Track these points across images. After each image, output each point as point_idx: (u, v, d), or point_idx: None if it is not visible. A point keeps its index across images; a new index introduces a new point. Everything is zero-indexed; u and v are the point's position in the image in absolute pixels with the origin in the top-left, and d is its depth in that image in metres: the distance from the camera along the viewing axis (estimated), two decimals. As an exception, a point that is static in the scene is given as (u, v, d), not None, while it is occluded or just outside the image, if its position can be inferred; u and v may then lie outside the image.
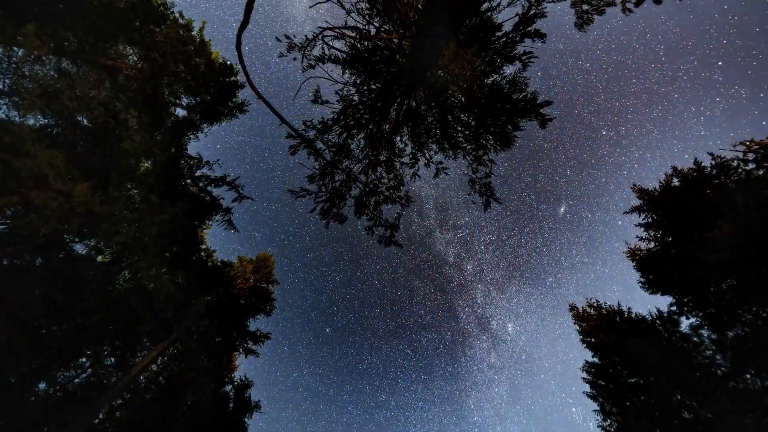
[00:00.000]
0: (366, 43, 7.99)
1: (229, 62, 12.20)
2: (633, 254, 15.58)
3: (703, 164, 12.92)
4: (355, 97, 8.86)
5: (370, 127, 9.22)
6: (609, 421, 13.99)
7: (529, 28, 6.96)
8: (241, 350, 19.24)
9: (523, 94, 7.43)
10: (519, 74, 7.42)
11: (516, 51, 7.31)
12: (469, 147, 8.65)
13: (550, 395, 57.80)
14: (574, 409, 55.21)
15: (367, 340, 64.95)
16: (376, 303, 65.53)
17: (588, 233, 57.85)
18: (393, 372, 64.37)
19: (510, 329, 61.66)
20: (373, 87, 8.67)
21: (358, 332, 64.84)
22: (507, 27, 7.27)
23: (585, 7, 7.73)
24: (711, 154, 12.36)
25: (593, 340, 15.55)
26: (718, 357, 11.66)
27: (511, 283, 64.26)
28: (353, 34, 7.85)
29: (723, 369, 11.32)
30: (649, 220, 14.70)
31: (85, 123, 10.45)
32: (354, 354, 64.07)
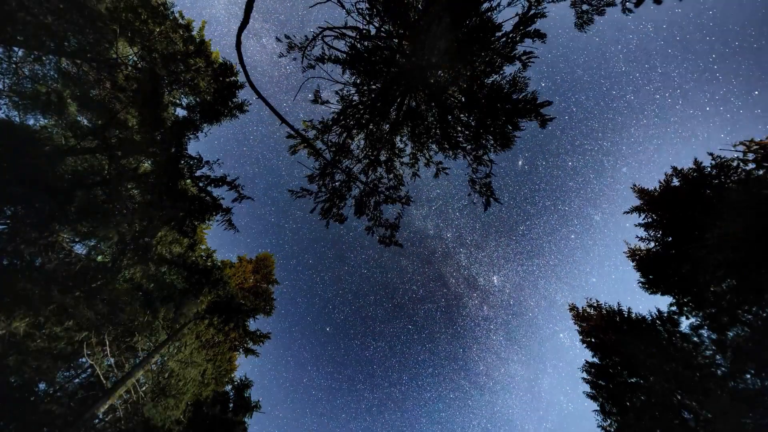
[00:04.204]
0: (366, 43, 7.99)
1: (229, 62, 12.20)
2: (633, 254, 15.58)
3: (703, 164, 12.92)
4: (355, 97, 8.86)
5: (370, 127, 9.23)
6: (609, 421, 13.99)
7: (529, 28, 6.96)
8: (241, 350, 19.26)
9: (523, 94, 7.43)
10: (519, 74, 7.42)
11: (516, 51, 7.31)
12: (469, 147, 8.65)
13: (539, 329, 65.25)
14: (561, 335, 63.33)
15: (369, 328, 68.51)
16: (370, 291, 69.24)
17: (546, 180, 65.22)
18: (399, 350, 68.96)
19: (496, 281, 68.80)
20: (373, 87, 8.67)
21: (358, 323, 68.30)
22: (507, 27, 7.27)
23: (585, 7, 7.73)
24: (711, 154, 12.37)
25: (593, 340, 15.55)
26: (718, 357, 11.65)
27: (488, 240, 70.56)
28: (353, 34, 7.86)
29: (723, 369, 11.31)
30: (649, 220, 14.71)
31: (85, 123, 10.45)
32: (358, 344, 67.64)
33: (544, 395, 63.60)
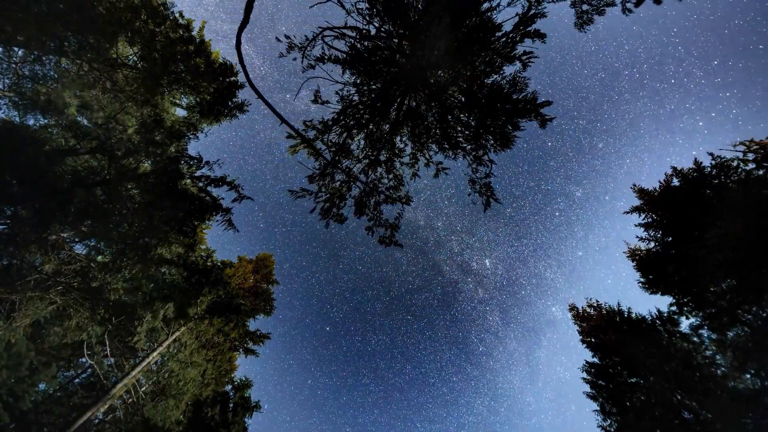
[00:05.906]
0: (366, 43, 7.99)
1: (229, 62, 12.20)
2: (633, 254, 15.58)
3: (703, 164, 12.92)
4: (355, 97, 8.85)
5: (370, 127, 9.22)
6: (609, 421, 13.98)
7: (529, 28, 6.95)
8: (241, 350, 19.26)
9: (523, 94, 7.42)
10: (519, 74, 7.42)
11: (516, 51, 7.31)
12: (469, 147, 8.65)
13: (532, 305, 68.44)
14: (553, 309, 66.82)
15: (369, 323, 70.22)
16: (366, 286, 70.92)
17: (528, 161, 68.00)
18: (400, 341, 71.07)
19: (488, 264, 71.58)
20: (373, 87, 8.67)
21: (358, 319, 69.81)
22: (507, 27, 7.27)
23: (585, 7, 7.73)
24: (711, 154, 12.37)
25: (593, 340, 15.55)
26: (718, 357, 11.65)
27: (478, 225, 72.91)
28: (353, 34, 7.85)
29: (723, 369, 11.31)
30: (649, 220, 14.70)
31: (85, 123, 10.45)
32: (360, 340, 69.24)
33: (542, 367, 67.10)
